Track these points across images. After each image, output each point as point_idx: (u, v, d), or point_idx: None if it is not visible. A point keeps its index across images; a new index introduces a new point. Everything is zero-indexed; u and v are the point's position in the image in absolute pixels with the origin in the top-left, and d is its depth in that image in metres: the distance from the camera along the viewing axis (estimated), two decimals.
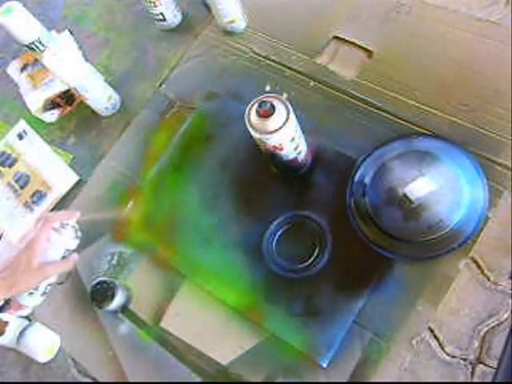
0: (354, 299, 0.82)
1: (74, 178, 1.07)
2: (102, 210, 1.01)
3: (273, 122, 0.76)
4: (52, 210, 1.05)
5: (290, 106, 0.77)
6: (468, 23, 0.96)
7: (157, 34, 1.16)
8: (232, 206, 0.94)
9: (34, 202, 1.06)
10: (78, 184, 1.06)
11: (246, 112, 0.78)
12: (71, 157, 1.09)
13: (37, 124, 1.14)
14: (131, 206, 0.99)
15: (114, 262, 0.96)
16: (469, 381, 0.76)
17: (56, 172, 1.07)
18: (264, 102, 0.75)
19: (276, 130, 0.76)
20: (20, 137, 1.12)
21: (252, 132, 0.78)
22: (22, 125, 1.13)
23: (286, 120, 0.76)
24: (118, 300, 0.89)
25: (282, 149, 0.81)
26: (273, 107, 0.75)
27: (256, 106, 0.76)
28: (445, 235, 0.78)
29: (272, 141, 0.78)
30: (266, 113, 0.75)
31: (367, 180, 0.84)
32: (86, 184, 1.05)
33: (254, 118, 0.77)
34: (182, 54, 1.11)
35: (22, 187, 1.08)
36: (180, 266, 0.92)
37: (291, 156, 0.84)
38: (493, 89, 0.90)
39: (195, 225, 0.94)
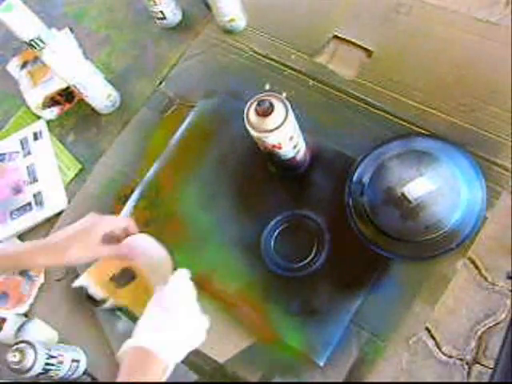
0: (351, 298, 0.83)
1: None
2: (102, 208, 1.01)
3: (271, 121, 0.76)
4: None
5: (288, 105, 0.77)
6: (468, 23, 0.96)
7: (157, 33, 1.15)
8: (230, 204, 0.94)
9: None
10: (78, 180, 1.06)
11: (245, 110, 0.78)
12: (80, 167, 1.07)
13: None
14: (130, 204, 0.99)
15: None
16: (465, 381, 0.76)
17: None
18: (263, 100, 0.75)
19: (275, 129, 0.76)
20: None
21: (251, 131, 0.78)
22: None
23: (285, 119, 0.76)
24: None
25: (280, 148, 0.80)
26: (271, 106, 0.75)
27: (255, 104, 0.76)
28: (443, 235, 0.78)
29: (271, 139, 0.78)
30: (265, 111, 0.75)
31: (365, 179, 0.84)
32: (85, 182, 1.05)
33: (252, 116, 0.77)
34: (181, 52, 1.11)
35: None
36: (178, 264, 0.92)
37: (290, 155, 0.84)
38: (492, 89, 0.90)
39: (193, 223, 0.94)
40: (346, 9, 1.04)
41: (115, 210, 0.99)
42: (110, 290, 0.86)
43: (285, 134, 0.78)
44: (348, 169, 0.86)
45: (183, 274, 0.74)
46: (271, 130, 0.76)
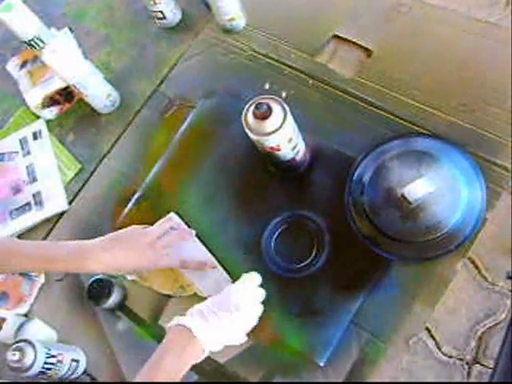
0: (351, 299, 0.82)
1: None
2: (102, 210, 1.01)
3: (270, 124, 0.75)
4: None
5: (287, 107, 0.77)
6: (468, 24, 0.96)
7: (156, 32, 1.15)
8: (230, 205, 0.94)
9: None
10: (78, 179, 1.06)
11: (243, 113, 0.77)
12: (79, 167, 1.07)
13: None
14: (131, 206, 0.99)
15: None
16: (465, 381, 0.76)
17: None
18: (260, 103, 0.74)
19: (273, 132, 0.76)
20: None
21: (249, 133, 0.77)
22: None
23: (283, 121, 0.76)
24: (114, 298, 0.89)
25: (279, 149, 0.80)
26: (269, 109, 0.75)
27: (253, 107, 0.75)
28: (443, 236, 0.78)
29: (269, 142, 0.78)
30: (263, 114, 0.75)
31: (366, 179, 0.84)
32: (87, 184, 1.05)
33: (250, 119, 0.76)
34: (181, 52, 1.11)
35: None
36: None
37: (289, 156, 0.84)
38: (492, 89, 0.90)
39: (194, 224, 0.93)
40: (346, 8, 1.04)
41: (116, 212, 0.99)
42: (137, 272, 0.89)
43: (283, 137, 0.78)
44: (348, 168, 0.86)
45: (253, 277, 0.77)
46: (269, 133, 0.76)
